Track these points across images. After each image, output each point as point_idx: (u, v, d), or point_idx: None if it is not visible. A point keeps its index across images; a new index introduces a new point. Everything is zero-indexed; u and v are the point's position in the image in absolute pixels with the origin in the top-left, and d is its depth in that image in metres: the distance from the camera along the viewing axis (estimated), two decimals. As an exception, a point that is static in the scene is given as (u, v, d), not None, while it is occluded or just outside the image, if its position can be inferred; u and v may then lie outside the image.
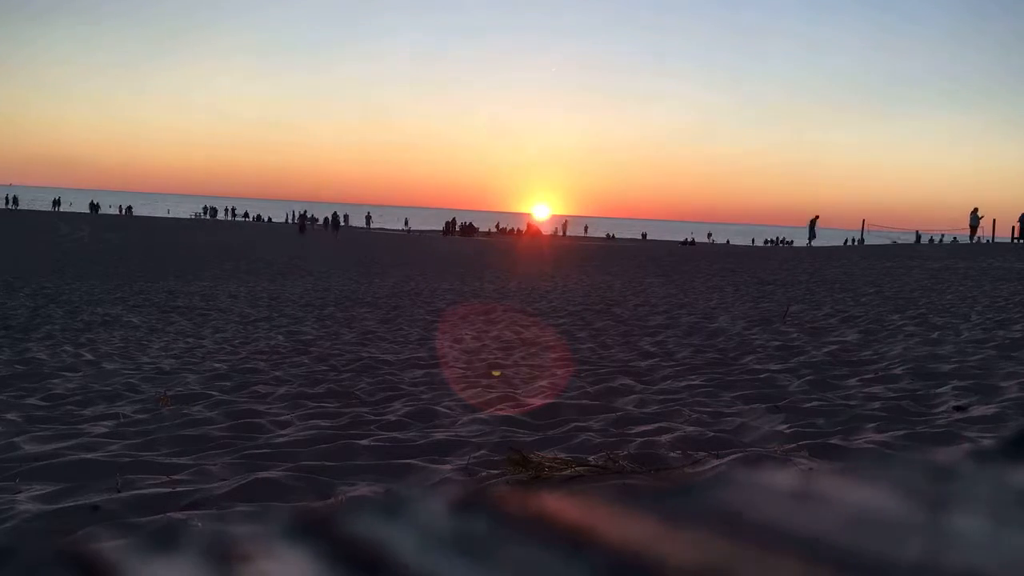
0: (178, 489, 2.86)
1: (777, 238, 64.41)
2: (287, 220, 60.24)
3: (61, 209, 61.00)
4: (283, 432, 3.91)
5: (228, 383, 5.47)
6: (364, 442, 3.57)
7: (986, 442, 3.29)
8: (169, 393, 4.98)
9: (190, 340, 8.15)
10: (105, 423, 4.23)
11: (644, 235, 61.86)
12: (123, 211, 62.92)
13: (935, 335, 6.92)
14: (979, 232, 31.57)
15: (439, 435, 3.73)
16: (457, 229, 50.60)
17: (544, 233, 53.24)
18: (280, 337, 8.19)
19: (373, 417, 4.21)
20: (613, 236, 60.66)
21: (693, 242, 46.41)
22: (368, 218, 59.28)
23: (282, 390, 5.11)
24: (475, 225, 54.84)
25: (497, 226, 61.60)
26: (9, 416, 4.39)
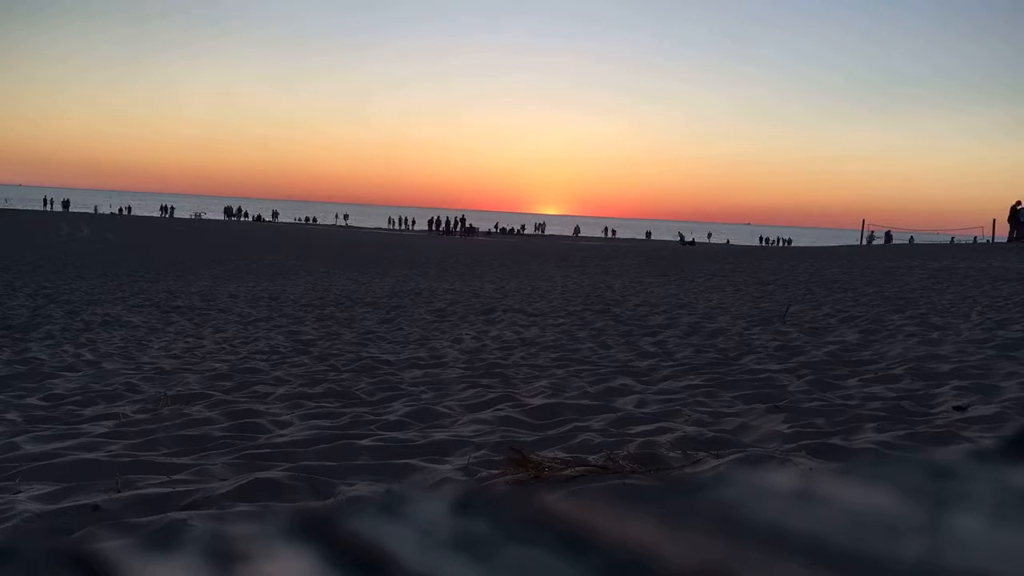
0: (178, 489, 2.86)
1: (771, 237, 64.66)
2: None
3: (101, 212, 61.85)
4: (283, 432, 3.91)
5: (228, 383, 5.47)
6: (364, 442, 3.57)
7: (986, 442, 3.29)
8: (169, 393, 4.98)
9: (190, 340, 8.15)
10: (105, 423, 4.23)
11: (648, 234, 61.92)
12: (173, 211, 64.93)
13: (935, 335, 6.92)
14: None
15: (439, 435, 3.73)
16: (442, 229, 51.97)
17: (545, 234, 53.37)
18: (280, 337, 8.19)
19: (373, 417, 4.21)
20: (614, 233, 60.74)
21: (693, 242, 46.44)
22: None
23: (282, 390, 5.11)
24: (475, 226, 54.96)
25: (496, 226, 61.77)
26: (9, 416, 4.39)
